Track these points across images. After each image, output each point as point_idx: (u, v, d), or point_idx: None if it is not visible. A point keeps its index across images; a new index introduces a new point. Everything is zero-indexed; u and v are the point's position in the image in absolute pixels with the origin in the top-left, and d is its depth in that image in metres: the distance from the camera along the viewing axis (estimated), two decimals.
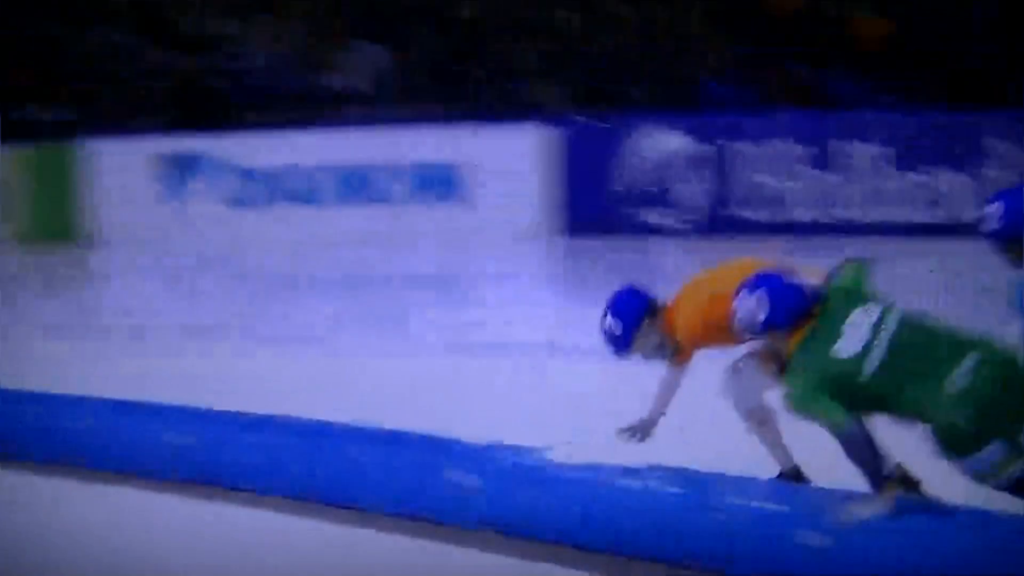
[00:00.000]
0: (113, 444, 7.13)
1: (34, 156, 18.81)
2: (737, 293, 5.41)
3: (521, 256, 15.50)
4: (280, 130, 17.78)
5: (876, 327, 5.08)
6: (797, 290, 5.36)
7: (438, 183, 16.92)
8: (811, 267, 5.80)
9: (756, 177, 15.66)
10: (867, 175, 15.23)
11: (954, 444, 4.89)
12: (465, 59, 19.05)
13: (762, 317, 5.31)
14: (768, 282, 5.37)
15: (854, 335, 5.12)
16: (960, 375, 4.88)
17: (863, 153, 15.21)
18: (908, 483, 5.36)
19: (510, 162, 16.48)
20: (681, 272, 6.77)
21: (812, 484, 5.67)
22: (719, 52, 18.02)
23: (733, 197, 15.75)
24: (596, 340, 5.98)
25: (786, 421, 5.63)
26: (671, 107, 16.72)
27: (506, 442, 6.07)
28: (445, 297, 13.77)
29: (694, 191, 15.72)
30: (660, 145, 16.11)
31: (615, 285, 6.12)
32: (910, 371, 4.99)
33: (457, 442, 6.34)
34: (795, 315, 5.22)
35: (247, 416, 7.14)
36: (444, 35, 19.43)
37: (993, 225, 5.93)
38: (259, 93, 19.18)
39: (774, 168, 15.73)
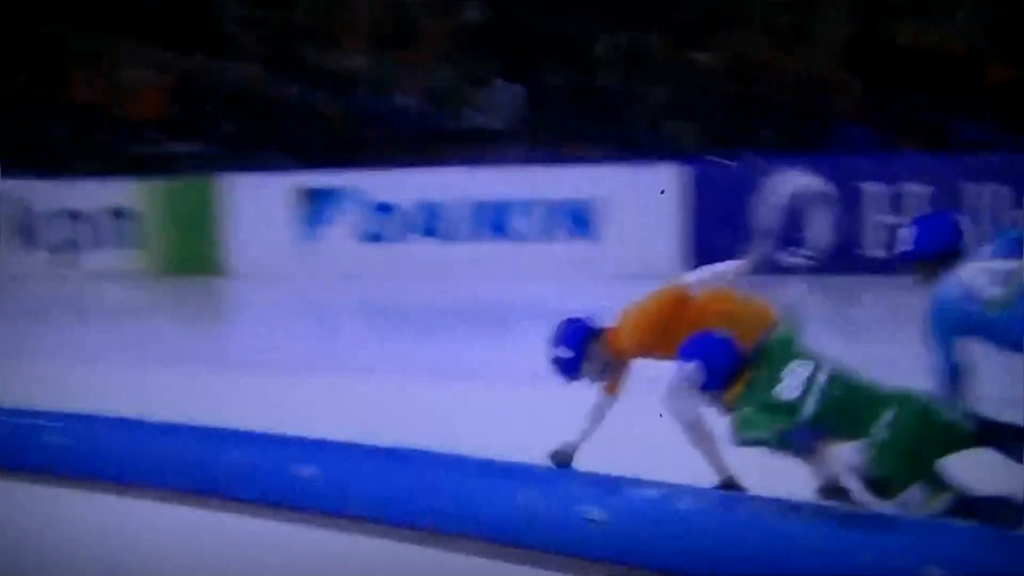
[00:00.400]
0: (250, 476, 7.28)
1: (173, 189, 19.06)
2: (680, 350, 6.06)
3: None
4: (418, 166, 18.03)
5: (810, 380, 5.71)
6: (731, 354, 5.96)
7: (572, 219, 16.99)
8: (757, 305, 6.66)
9: (885, 218, 15.83)
10: (995, 217, 15.29)
11: (879, 489, 5.62)
12: (601, 98, 19.03)
13: (700, 384, 5.97)
14: (704, 349, 5.96)
15: (792, 382, 5.75)
16: (879, 429, 5.56)
17: (990, 195, 15.34)
18: (840, 492, 6.06)
19: (643, 200, 16.54)
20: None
21: (748, 493, 6.24)
22: (850, 94, 18.11)
23: (862, 237, 15.89)
24: None
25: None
26: (802, 148, 16.83)
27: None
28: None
29: (824, 231, 15.72)
30: (791, 185, 16.03)
31: None
32: (838, 424, 5.64)
33: (585, 475, 6.48)
34: (729, 378, 5.85)
35: (381, 448, 7.20)
36: (581, 74, 19.50)
37: (905, 247, 6.54)
38: (397, 129, 19.46)
39: (903, 209, 15.89)
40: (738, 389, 5.88)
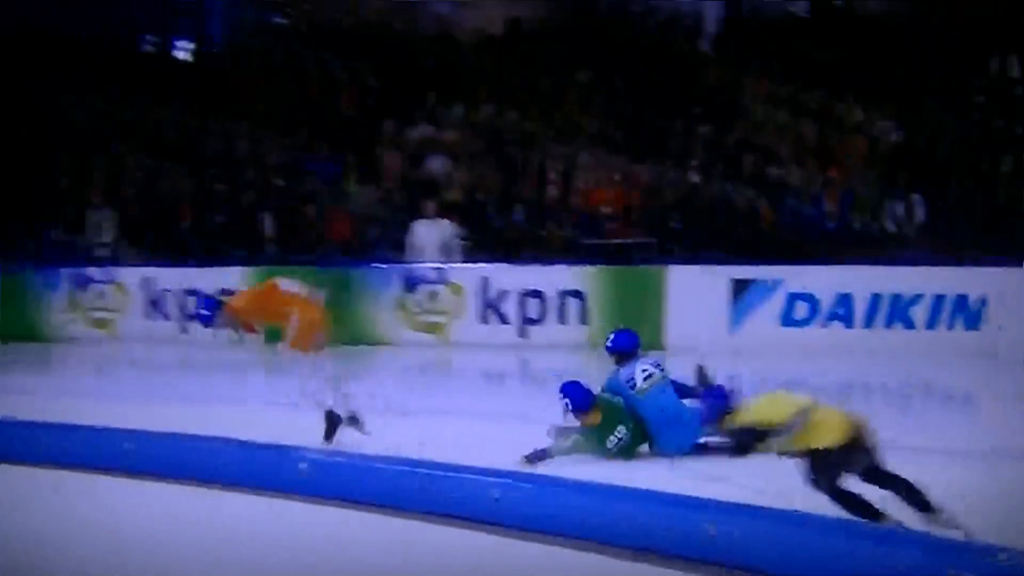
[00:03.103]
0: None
1: (622, 275, 19.89)
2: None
3: None
4: (833, 263, 19.07)
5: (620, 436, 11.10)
6: (585, 394, 11.04)
7: (961, 313, 18.01)
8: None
9: None
10: None
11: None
12: (995, 211, 19.94)
13: (569, 410, 10.93)
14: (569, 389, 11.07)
15: (614, 437, 11.07)
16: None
17: None
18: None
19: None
20: None
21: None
22: None
23: None
24: None
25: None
26: None
27: None
28: (973, 413, 14.53)
29: None
30: None
31: None
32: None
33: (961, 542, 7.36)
34: (585, 407, 10.98)
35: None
36: (979, 190, 20.41)
37: (608, 344, 11.93)
38: (818, 231, 20.36)
39: None
40: (591, 421, 11.03)
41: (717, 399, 8.72)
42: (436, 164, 23.38)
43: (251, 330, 12.03)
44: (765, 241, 20.29)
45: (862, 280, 18.62)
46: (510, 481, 9.13)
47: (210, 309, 12.31)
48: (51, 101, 27.58)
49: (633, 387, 11.16)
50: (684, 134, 22.62)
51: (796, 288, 18.91)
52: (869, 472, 8.35)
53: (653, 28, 26.45)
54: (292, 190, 23.67)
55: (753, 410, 8.46)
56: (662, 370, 11.33)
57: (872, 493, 8.34)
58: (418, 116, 24.65)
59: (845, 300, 18.65)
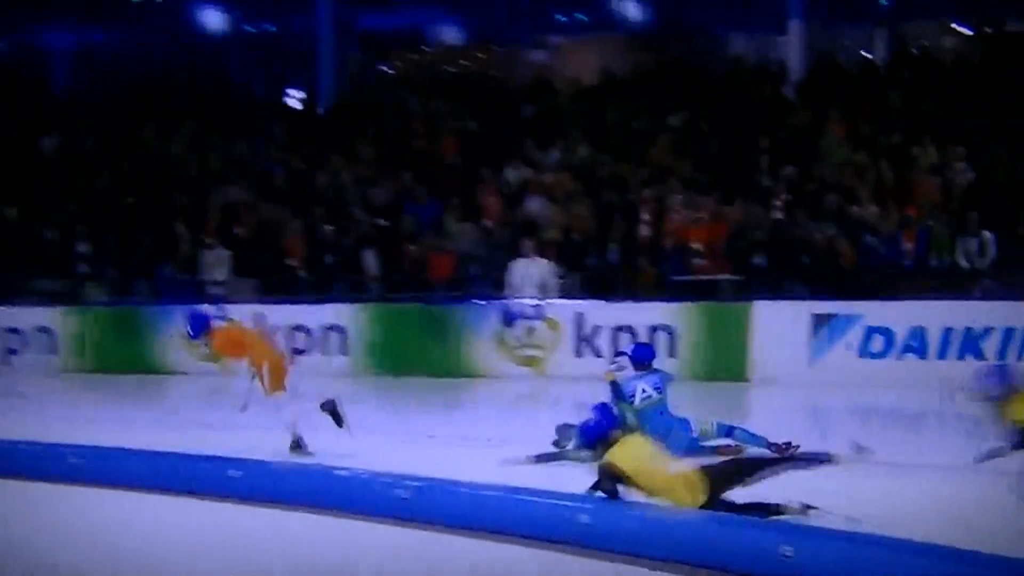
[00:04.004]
0: None
1: (710, 309, 20.46)
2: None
3: None
4: (909, 298, 19.39)
5: None
6: (612, 417, 10.28)
7: None
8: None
9: None
10: None
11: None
12: None
13: (579, 440, 10.49)
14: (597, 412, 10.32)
15: None
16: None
17: None
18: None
19: None
20: None
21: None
22: None
23: None
24: None
25: None
26: None
27: None
28: None
29: None
30: None
31: None
32: None
33: None
34: (603, 436, 9.89)
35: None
36: None
37: (625, 351, 14.01)
38: (895, 267, 20.74)
39: None
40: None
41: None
42: (534, 205, 24.06)
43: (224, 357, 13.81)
44: (844, 277, 20.62)
45: (936, 314, 18.98)
46: (599, 507, 9.33)
47: (197, 328, 13.49)
48: (168, 148, 28.76)
49: (632, 402, 12.58)
50: (769, 175, 23.13)
51: (873, 322, 19.31)
52: None
53: (740, 75, 27.06)
54: (395, 230, 24.46)
55: None
56: (660, 392, 12.79)
57: None
58: (517, 160, 25.45)
59: (919, 333, 19.04)
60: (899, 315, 19.31)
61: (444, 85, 30.50)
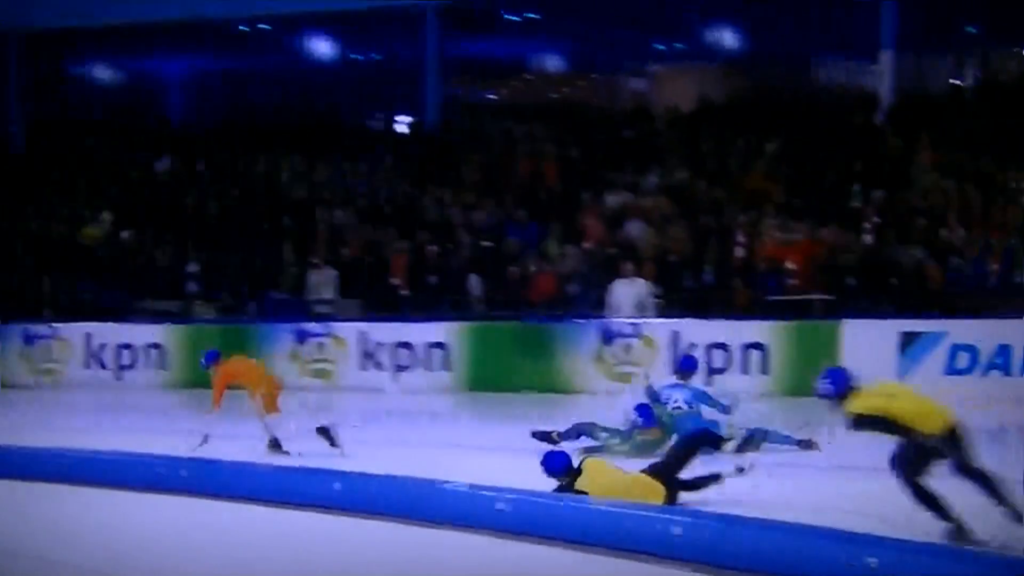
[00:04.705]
0: None
1: (802, 328, 20.81)
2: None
3: None
4: (994, 316, 19.97)
5: None
6: (650, 416, 14.91)
7: None
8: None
9: None
10: None
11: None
12: None
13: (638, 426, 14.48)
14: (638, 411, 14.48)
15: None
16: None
17: None
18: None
19: None
20: None
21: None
22: None
23: None
24: None
25: None
26: None
27: None
28: None
29: None
30: None
31: None
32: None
33: None
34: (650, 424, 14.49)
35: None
36: None
37: (686, 357, 16.73)
38: (980, 287, 21.18)
39: None
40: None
41: None
42: (633, 228, 24.41)
43: (222, 388, 15.74)
44: (931, 297, 21.00)
45: (1020, 332, 19.47)
46: (690, 519, 9.63)
47: (209, 360, 16.06)
48: (277, 173, 29.64)
49: (667, 407, 14.81)
50: (860, 200, 23.41)
51: (959, 340, 19.78)
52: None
53: (832, 103, 27.59)
54: (498, 252, 25.06)
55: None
56: (691, 408, 14.82)
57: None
58: (617, 184, 26.04)
59: (1004, 351, 19.53)
60: (984, 333, 19.75)
61: (546, 112, 31.17)
